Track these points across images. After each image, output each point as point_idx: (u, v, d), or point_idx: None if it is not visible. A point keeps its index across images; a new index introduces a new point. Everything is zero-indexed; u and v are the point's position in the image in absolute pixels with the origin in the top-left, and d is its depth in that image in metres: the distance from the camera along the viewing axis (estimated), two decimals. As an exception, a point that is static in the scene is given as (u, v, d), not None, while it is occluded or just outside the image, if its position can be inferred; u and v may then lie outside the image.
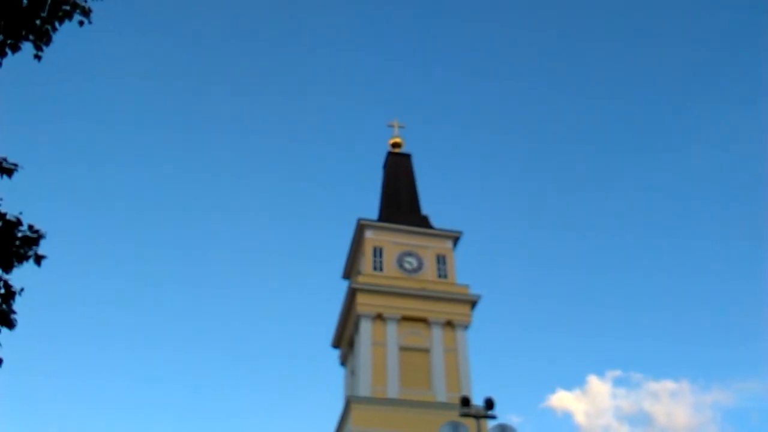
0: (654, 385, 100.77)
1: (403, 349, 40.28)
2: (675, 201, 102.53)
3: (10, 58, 11.30)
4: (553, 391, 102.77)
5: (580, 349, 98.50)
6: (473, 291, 42.83)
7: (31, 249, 11.04)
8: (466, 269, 55.06)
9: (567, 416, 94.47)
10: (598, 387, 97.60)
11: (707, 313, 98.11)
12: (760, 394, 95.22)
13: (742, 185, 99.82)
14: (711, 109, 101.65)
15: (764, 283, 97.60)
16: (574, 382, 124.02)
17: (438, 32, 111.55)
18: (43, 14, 11.22)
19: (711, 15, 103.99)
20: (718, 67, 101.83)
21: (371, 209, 50.70)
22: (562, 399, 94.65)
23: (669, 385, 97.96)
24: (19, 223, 10.97)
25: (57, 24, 11.39)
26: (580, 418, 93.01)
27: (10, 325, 10.93)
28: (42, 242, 11.10)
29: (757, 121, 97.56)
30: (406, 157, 52.69)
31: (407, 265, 43.97)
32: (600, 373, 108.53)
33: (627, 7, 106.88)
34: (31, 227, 11.07)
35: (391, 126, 53.90)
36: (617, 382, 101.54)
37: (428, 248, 45.00)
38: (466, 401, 26.12)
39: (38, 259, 11.13)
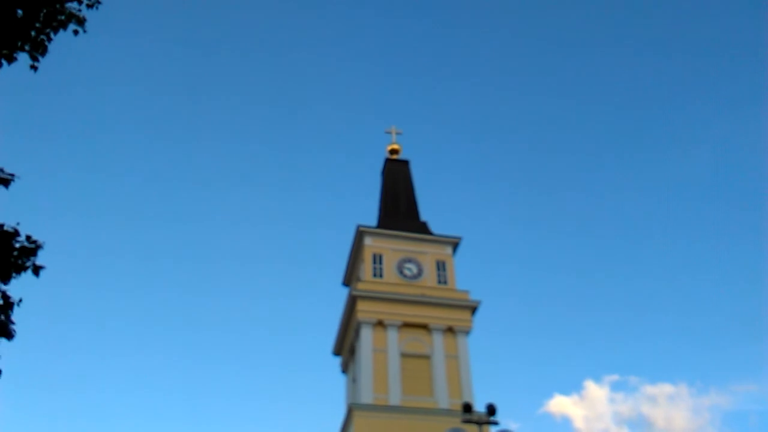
0: (652, 389, 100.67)
1: (405, 355, 40.20)
2: (672, 206, 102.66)
3: (6, 69, 11.31)
4: (550, 396, 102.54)
5: (577, 353, 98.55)
6: (473, 297, 42.83)
7: (29, 259, 11.00)
8: (466, 275, 55.00)
9: (566, 421, 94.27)
10: (596, 392, 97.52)
11: (704, 316, 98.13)
12: (758, 397, 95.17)
13: (740, 188, 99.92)
14: (711, 111, 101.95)
15: (762, 285, 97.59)
16: (572, 387, 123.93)
17: (435, 40, 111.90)
18: (38, 25, 11.22)
19: (709, 18, 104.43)
20: (716, 69, 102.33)
21: (370, 216, 50.79)
22: (560, 404, 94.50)
23: (667, 388, 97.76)
24: (16, 233, 10.94)
25: (52, 34, 11.39)
26: (578, 423, 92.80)
27: (9, 335, 10.88)
28: (40, 252, 11.07)
29: (756, 123, 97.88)
30: (404, 163, 52.73)
31: (407, 272, 43.91)
32: (597, 378, 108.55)
33: (626, 11, 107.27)
34: (28, 238, 11.03)
35: (389, 132, 54.02)
36: (615, 387, 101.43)
37: (428, 254, 44.95)
38: (468, 407, 26.09)
39: (36, 270, 11.09)
